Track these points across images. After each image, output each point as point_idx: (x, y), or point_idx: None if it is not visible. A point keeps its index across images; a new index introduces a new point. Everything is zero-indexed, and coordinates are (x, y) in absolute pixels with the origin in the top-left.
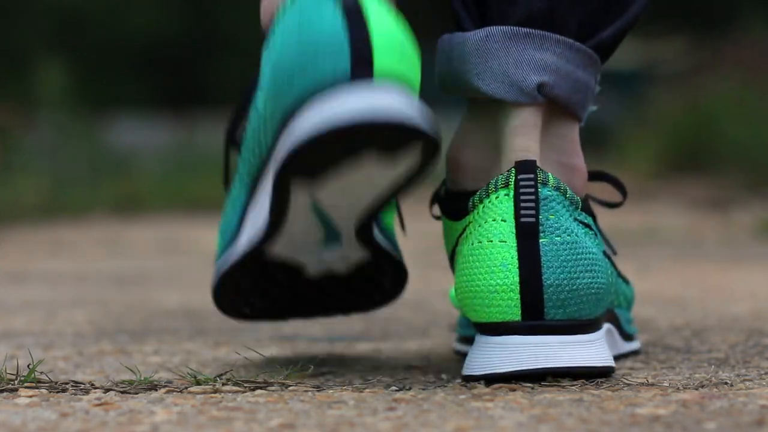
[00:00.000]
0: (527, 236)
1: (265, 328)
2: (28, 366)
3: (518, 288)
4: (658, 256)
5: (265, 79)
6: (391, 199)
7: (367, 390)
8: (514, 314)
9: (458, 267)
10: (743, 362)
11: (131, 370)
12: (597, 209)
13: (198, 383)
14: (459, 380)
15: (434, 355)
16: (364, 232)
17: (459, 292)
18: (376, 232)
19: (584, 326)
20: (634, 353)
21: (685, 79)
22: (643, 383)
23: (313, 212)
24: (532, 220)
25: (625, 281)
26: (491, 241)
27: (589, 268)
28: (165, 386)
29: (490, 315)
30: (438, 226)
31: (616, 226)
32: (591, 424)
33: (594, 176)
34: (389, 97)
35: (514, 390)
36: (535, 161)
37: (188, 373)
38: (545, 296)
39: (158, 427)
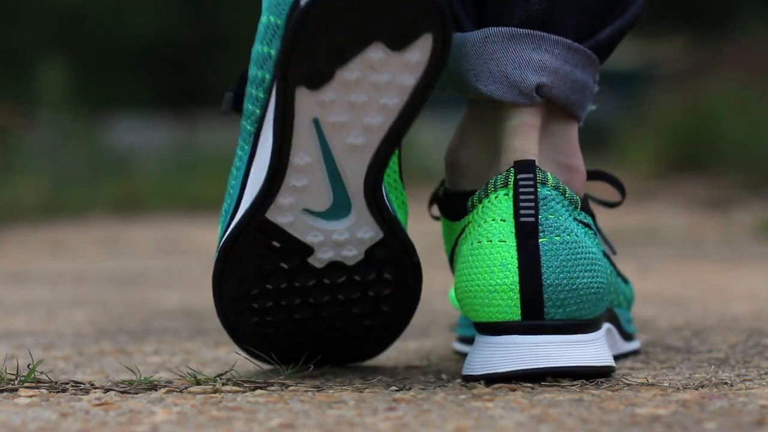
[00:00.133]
0: (527, 236)
1: None
2: (28, 366)
3: (518, 288)
4: (658, 256)
5: (263, 6)
6: (402, 123)
7: (367, 390)
8: (514, 314)
9: (458, 267)
10: (743, 362)
11: (131, 370)
12: (596, 209)
13: (198, 383)
14: (459, 380)
15: (434, 355)
16: (373, 185)
17: (459, 292)
18: (388, 203)
19: (584, 326)
20: (634, 353)
21: (685, 79)
22: (643, 383)
23: (321, 160)
24: (532, 219)
25: (624, 280)
26: (491, 241)
27: (588, 267)
28: (165, 386)
29: (490, 315)
30: (438, 226)
31: (616, 226)
32: (591, 424)
33: (593, 176)
34: None
35: (514, 390)
36: (533, 161)
37: (188, 373)
38: (545, 296)
39: (158, 427)
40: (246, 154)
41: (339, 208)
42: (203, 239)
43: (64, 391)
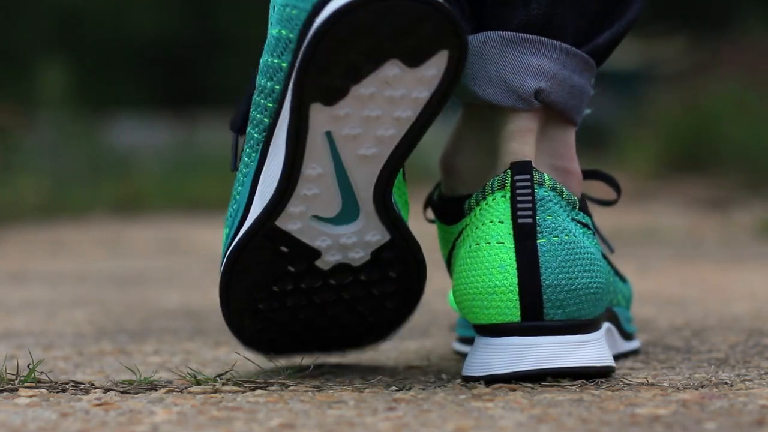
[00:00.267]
0: (525, 237)
1: None
2: (28, 366)
3: (517, 289)
4: (657, 256)
5: (277, 5)
6: (415, 134)
7: (367, 390)
8: (513, 315)
9: (456, 269)
10: (743, 362)
11: (131, 370)
12: (594, 208)
13: (198, 383)
14: (459, 380)
15: (434, 355)
16: (382, 192)
17: (457, 295)
18: (394, 204)
19: (584, 326)
20: (634, 352)
21: (684, 80)
22: (643, 383)
23: (332, 169)
24: (530, 221)
25: (623, 279)
26: (489, 243)
27: (587, 267)
28: (165, 386)
29: (489, 316)
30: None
31: (616, 226)
32: (591, 424)
33: (588, 175)
34: None
35: (514, 390)
36: (530, 162)
37: (188, 373)
38: (544, 297)
39: (158, 427)
40: (254, 161)
41: (347, 213)
42: (203, 239)
43: (64, 391)
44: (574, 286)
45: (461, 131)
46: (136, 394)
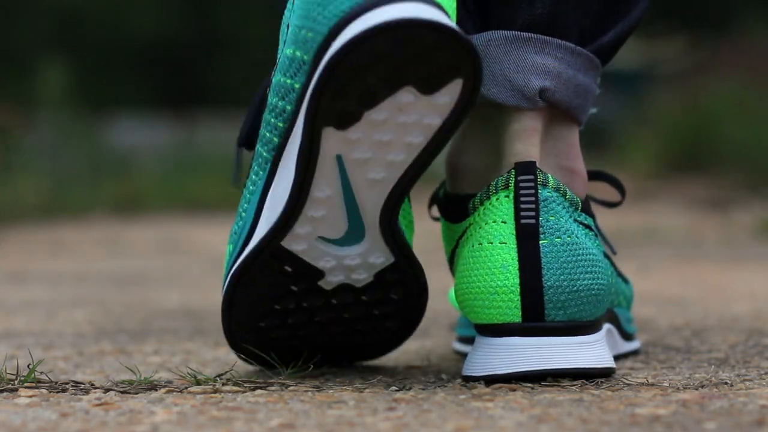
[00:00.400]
0: (527, 238)
1: None
2: (28, 366)
3: (518, 290)
4: (658, 256)
5: (294, 21)
6: (424, 159)
7: (367, 390)
8: (514, 316)
9: (458, 268)
10: (743, 362)
11: (131, 370)
12: (596, 209)
13: (198, 383)
14: (459, 380)
15: (434, 355)
16: (389, 216)
17: (459, 294)
18: (400, 227)
19: (585, 327)
20: (634, 353)
21: (685, 80)
22: (643, 383)
23: (340, 193)
24: (533, 221)
25: (625, 280)
26: (491, 243)
27: (589, 269)
28: (165, 386)
29: (490, 316)
30: (438, 227)
31: (617, 227)
32: (591, 424)
33: (593, 176)
34: (430, 10)
35: (514, 390)
36: (534, 162)
37: (188, 373)
38: (545, 298)
39: (158, 427)
40: (261, 180)
41: (353, 235)
42: (203, 239)
43: (64, 391)
44: (575, 288)
45: (466, 131)
46: (136, 394)
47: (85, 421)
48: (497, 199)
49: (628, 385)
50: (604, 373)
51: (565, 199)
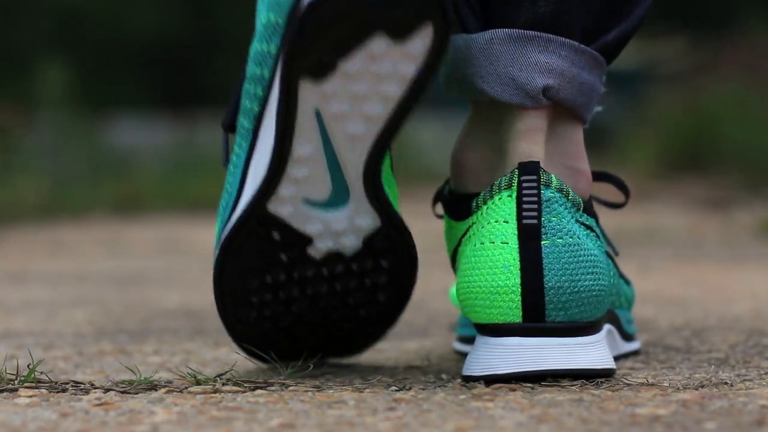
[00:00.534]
0: (529, 238)
1: None
2: (28, 366)
3: (519, 290)
4: (658, 256)
5: (261, 6)
6: (402, 112)
7: (367, 390)
8: (515, 316)
9: (460, 267)
10: (743, 362)
11: (131, 370)
12: (599, 209)
13: (198, 383)
14: (459, 380)
15: (434, 355)
16: (372, 174)
17: (460, 293)
18: (384, 189)
19: (585, 328)
20: (634, 353)
21: (685, 80)
22: (643, 383)
23: (321, 150)
24: (535, 222)
25: (627, 282)
26: (493, 243)
27: (590, 270)
28: (165, 386)
29: (491, 316)
30: (438, 227)
31: (617, 227)
32: (591, 424)
33: (597, 177)
34: None
35: (514, 390)
36: (538, 162)
37: (188, 373)
38: (546, 298)
39: (158, 427)
40: (244, 151)
41: (338, 197)
42: (203, 239)
43: (64, 391)
44: (576, 289)
45: (471, 129)
46: (136, 394)
47: (85, 421)
48: (500, 198)
49: (628, 385)
50: (604, 374)
51: (568, 199)
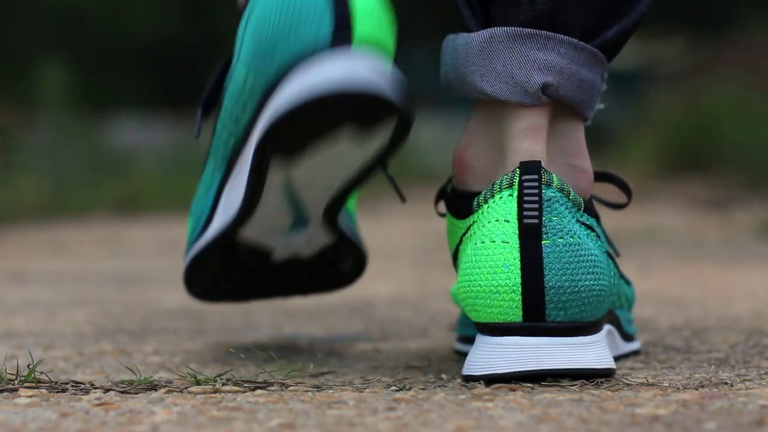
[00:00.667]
0: (530, 237)
1: (264, 329)
2: (28, 366)
3: (520, 289)
4: (658, 256)
5: (245, 51)
6: (362, 178)
7: (367, 390)
8: (515, 315)
9: (461, 266)
10: (743, 362)
11: (131, 370)
12: (600, 209)
13: (198, 383)
14: (459, 380)
15: (434, 355)
16: (331, 214)
17: (461, 292)
18: (341, 217)
19: (585, 328)
20: (634, 353)
21: (685, 80)
22: (643, 383)
23: (286, 195)
24: (535, 221)
25: (627, 282)
26: (494, 242)
27: (591, 270)
28: (165, 386)
29: (491, 315)
30: (438, 227)
31: (617, 227)
32: (591, 424)
33: (599, 177)
34: (366, 68)
35: (514, 390)
36: (539, 162)
37: (188, 373)
38: (547, 298)
39: (158, 427)
40: (217, 179)
41: (298, 225)
42: None
43: (64, 391)
44: (577, 289)
45: (472, 128)
46: (136, 394)
47: (85, 421)
48: (501, 197)
49: (628, 385)
50: (604, 374)
51: (569, 199)
